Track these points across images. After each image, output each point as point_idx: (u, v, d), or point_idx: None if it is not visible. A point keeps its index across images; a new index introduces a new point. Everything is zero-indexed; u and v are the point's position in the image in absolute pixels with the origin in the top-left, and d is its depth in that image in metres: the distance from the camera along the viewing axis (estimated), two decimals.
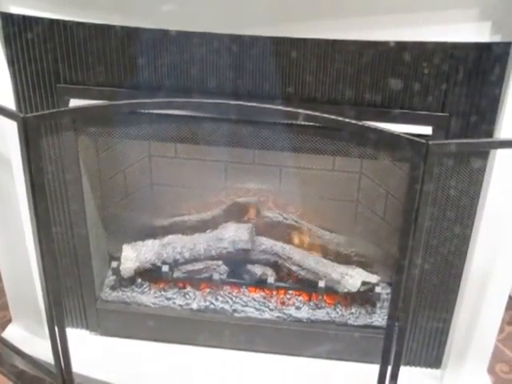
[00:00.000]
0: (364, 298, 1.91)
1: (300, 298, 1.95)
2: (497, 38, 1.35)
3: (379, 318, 1.89)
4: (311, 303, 1.94)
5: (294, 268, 1.92)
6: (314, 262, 1.92)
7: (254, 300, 1.95)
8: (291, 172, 1.91)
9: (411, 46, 1.41)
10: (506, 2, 1.30)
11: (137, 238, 2.00)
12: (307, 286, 1.93)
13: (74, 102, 1.59)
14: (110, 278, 2.01)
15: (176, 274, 1.95)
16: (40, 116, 1.47)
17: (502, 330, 1.96)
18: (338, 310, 1.92)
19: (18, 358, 1.91)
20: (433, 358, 1.86)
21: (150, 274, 1.98)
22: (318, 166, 1.87)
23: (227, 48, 1.48)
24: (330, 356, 1.91)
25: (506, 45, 1.37)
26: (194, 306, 1.95)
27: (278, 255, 1.94)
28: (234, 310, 1.94)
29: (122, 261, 1.95)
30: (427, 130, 1.50)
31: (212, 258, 1.93)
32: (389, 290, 1.93)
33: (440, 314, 1.77)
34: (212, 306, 1.94)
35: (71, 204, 1.77)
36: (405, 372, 1.77)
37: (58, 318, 1.60)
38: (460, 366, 1.81)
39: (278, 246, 1.95)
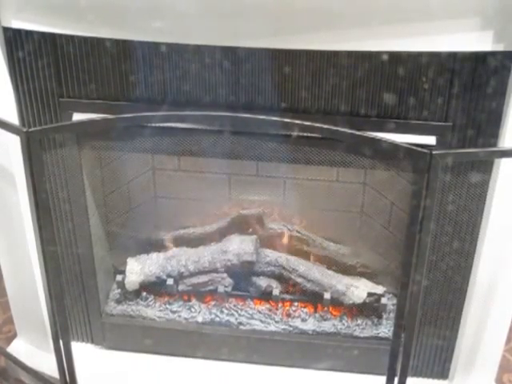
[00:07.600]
0: (370, 309, 1.90)
1: (306, 310, 1.94)
2: (499, 47, 1.35)
3: (385, 329, 1.88)
4: (317, 315, 1.93)
5: (299, 280, 1.92)
6: (319, 274, 1.92)
7: (260, 312, 1.95)
8: (295, 183, 1.91)
9: (415, 56, 1.41)
10: (507, 11, 1.30)
11: (141, 251, 2.00)
12: (313, 297, 1.93)
13: (77, 116, 1.59)
14: (115, 292, 2.01)
15: (181, 287, 1.95)
16: (43, 130, 1.47)
17: (509, 339, 1.95)
18: (343, 321, 1.91)
19: (23, 372, 1.92)
20: (440, 368, 1.85)
21: (154, 287, 1.98)
22: (321, 177, 1.87)
23: (226, 61, 1.48)
24: (336, 368, 1.90)
25: (509, 54, 1.37)
26: (199, 318, 1.94)
27: (282, 267, 1.93)
28: (240, 323, 1.93)
29: (127, 274, 1.95)
30: (431, 140, 1.50)
31: (217, 271, 1.92)
32: (395, 301, 1.91)
33: (447, 324, 1.76)
34: (217, 319, 1.94)
35: (75, 217, 1.77)
36: (411, 383, 1.75)
37: (62, 332, 1.60)
38: (467, 377, 1.80)
39: (283, 258, 1.94)
